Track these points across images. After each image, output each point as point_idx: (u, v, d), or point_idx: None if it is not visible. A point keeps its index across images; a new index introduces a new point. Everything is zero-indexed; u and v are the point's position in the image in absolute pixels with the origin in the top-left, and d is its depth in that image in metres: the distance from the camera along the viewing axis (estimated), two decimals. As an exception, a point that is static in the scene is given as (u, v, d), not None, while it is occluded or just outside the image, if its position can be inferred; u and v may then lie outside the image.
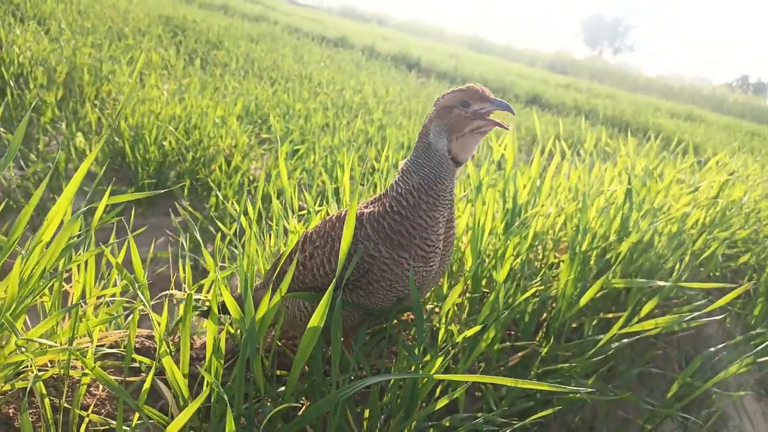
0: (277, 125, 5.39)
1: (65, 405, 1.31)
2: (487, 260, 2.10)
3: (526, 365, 2.04)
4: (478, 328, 1.65)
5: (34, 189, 3.80)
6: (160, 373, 1.40)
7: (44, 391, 1.24)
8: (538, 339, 2.15)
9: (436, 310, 1.95)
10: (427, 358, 1.61)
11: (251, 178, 4.58)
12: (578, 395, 1.86)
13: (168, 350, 1.34)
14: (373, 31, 27.20)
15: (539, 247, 2.48)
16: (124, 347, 1.47)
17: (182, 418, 1.07)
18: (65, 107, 4.96)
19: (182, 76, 6.71)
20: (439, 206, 1.40)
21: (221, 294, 1.34)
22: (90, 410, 1.31)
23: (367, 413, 1.49)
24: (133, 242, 1.49)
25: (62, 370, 1.34)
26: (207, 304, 1.73)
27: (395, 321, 1.83)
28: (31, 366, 1.33)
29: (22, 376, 1.34)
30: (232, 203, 3.73)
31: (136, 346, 1.62)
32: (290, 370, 1.34)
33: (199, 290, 1.87)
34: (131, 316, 1.38)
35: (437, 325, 1.82)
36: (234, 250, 2.09)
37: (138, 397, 1.24)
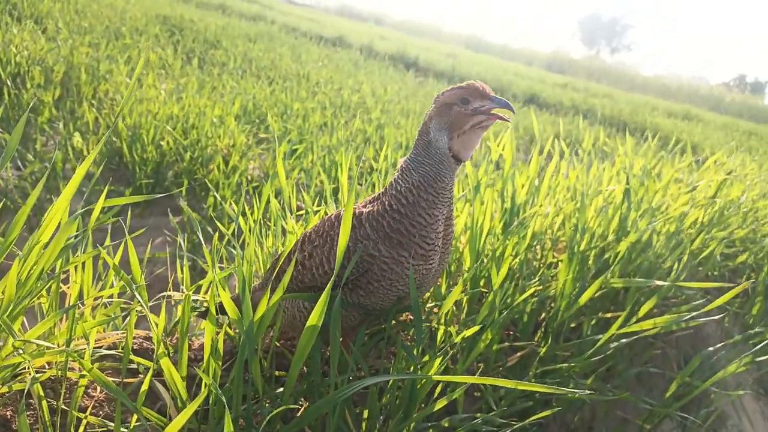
0: (275, 125, 5.38)
1: (63, 407, 1.30)
2: (485, 260, 2.09)
3: (525, 365, 2.04)
4: (476, 328, 1.65)
5: (31, 189, 3.78)
6: (158, 374, 1.39)
7: (42, 393, 1.24)
8: (536, 339, 2.15)
9: (435, 310, 1.95)
10: (426, 358, 1.61)
11: (249, 178, 4.57)
12: (577, 395, 1.86)
13: (166, 351, 1.33)
14: (371, 30, 27.19)
15: (538, 246, 2.48)
16: (122, 349, 1.47)
17: (180, 419, 1.07)
18: (62, 107, 4.94)
19: (180, 76, 6.70)
20: (438, 204, 1.39)
21: (219, 295, 1.33)
22: (88, 412, 1.31)
23: (365, 414, 1.48)
24: (131, 243, 1.49)
25: (60, 372, 1.33)
26: (205, 305, 1.72)
27: (394, 322, 1.83)
28: (28, 368, 1.32)
29: (19, 378, 1.33)
30: (230, 203, 3.72)
31: (134, 348, 1.61)
32: (289, 371, 1.33)
33: (198, 291, 1.87)
34: (129, 317, 1.38)
35: (436, 325, 1.82)
36: (232, 250, 2.08)
37: (136, 399, 1.24)
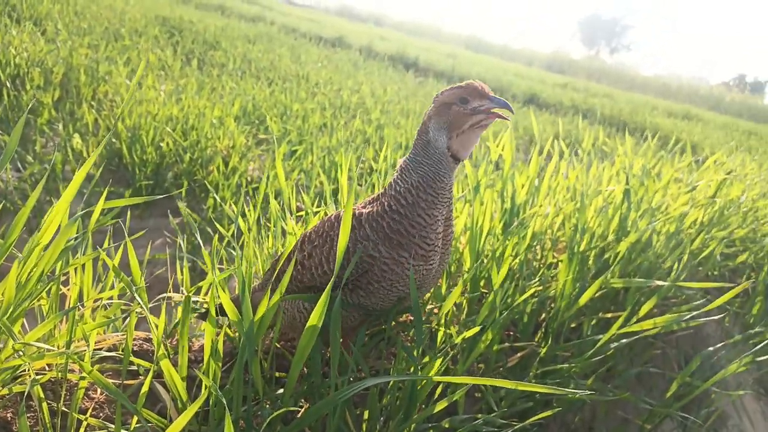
0: (274, 126, 5.38)
1: (63, 409, 1.30)
2: (485, 261, 2.09)
3: (525, 366, 2.04)
4: (477, 329, 1.65)
5: (31, 191, 3.78)
6: (159, 375, 1.39)
7: (42, 395, 1.24)
8: (537, 339, 2.15)
9: (435, 311, 1.95)
10: (426, 359, 1.61)
11: (249, 179, 4.57)
12: (577, 396, 1.86)
13: (166, 353, 1.33)
14: (371, 31, 27.20)
15: (537, 247, 2.47)
16: (122, 350, 1.47)
17: (181, 421, 1.07)
18: (62, 108, 4.94)
19: (179, 77, 6.70)
20: (438, 204, 1.39)
21: (219, 296, 1.33)
22: (88, 414, 1.31)
23: (366, 415, 1.48)
24: (131, 245, 1.49)
25: (60, 374, 1.33)
26: (205, 306, 1.72)
27: (394, 323, 1.83)
28: (28, 370, 1.32)
29: (19, 380, 1.33)
30: (230, 204, 3.72)
31: (134, 349, 1.61)
32: (289, 372, 1.33)
33: (197, 292, 1.87)
34: (129, 318, 1.38)
35: (436, 326, 1.82)
36: (232, 251, 2.08)
37: (136, 401, 1.24)
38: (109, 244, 1.59)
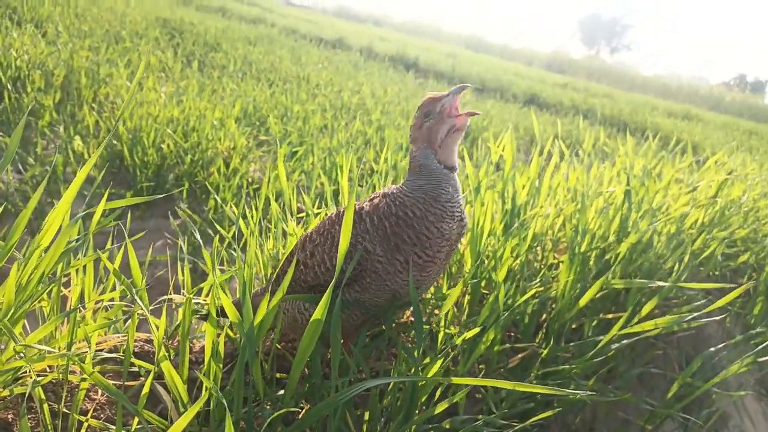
0: (275, 127, 5.39)
1: (64, 410, 1.30)
2: (486, 261, 2.09)
3: (526, 366, 2.03)
4: (477, 329, 1.65)
5: (32, 193, 3.79)
6: (159, 377, 1.39)
7: (43, 397, 1.24)
8: (537, 340, 2.15)
9: (436, 311, 1.95)
10: (427, 360, 1.61)
11: (250, 180, 4.58)
12: (578, 396, 1.86)
13: (167, 354, 1.34)
14: (371, 31, 27.22)
15: (538, 248, 2.47)
16: (123, 352, 1.47)
17: (181, 422, 1.07)
18: (63, 110, 4.95)
19: (180, 79, 6.71)
20: (446, 218, 1.40)
21: (220, 298, 1.33)
22: (89, 415, 1.31)
23: (367, 416, 1.48)
24: (131, 246, 1.49)
25: (61, 375, 1.33)
26: (206, 307, 1.72)
27: (394, 324, 1.83)
28: (29, 371, 1.32)
29: (20, 381, 1.34)
30: (231, 206, 3.72)
31: (135, 351, 1.61)
32: (290, 373, 1.33)
33: (199, 293, 1.87)
34: (130, 320, 1.38)
35: (436, 327, 1.82)
36: (233, 252, 2.08)
37: (137, 402, 1.24)
38: (110, 246, 1.60)
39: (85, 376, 1.25)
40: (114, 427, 1.24)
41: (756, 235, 3.31)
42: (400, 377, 1.45)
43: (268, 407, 1.41)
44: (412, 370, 1.54)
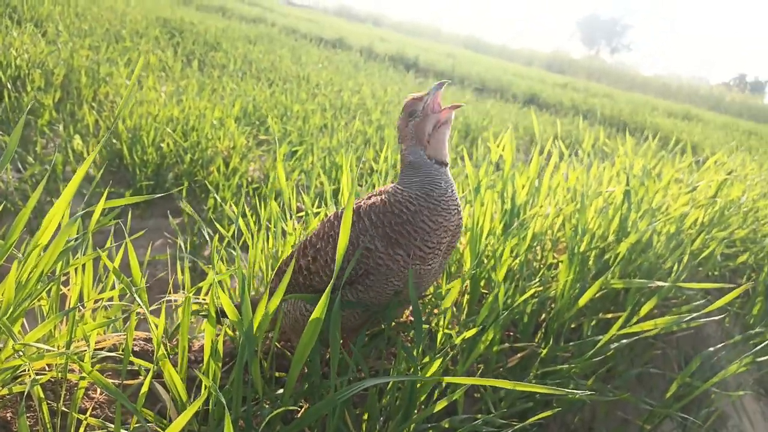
0: (275, 126, 5.39)
1: (63, 409, 1.30)
2: (485, 261, 2.09)
3: (526, 366, 2.04)
4: (476, 329, 1.65)
5: (31, 191, 3.79)
6: (159, 375, 1.39)
7: (42, 395, 1.24)
8: (537, 340, 2.15)
9: (435, 311, 1.95)
10: (426, 359, 1.61)
11: (249, 179, 4.58)
12: (577, 396, 1.86)
13: (166, 353, 1.34)
14: (371, 31, 27.22)
15: (538, 247, 2.47)
16: (122, 350, 1.47)
17: (180, 421, 1.07)
18: (63, 109, 4.95)
19: (180, 78, 6.71)
20: (441, 211, 1.40)
21: (219, 297, 1.33)
22: (88, 414, 1.31)
23: (365, 415, 1.48)
24: (131, 245, 1.49)
25: (60, 374, 1.33)
26: (205, 306, 1.72)
27: (394, 323, 1.83)
28: (28, 370, 1.32)
29: (19, 380, 1.33)
30: (230, 205, 3.72)
31: (134, 349, 1.61)
32: (289, 372, 1.33)
33: (198, 292, 1.87)
34: (129, 319, 1.38)
35: (435, 326, 1.82)
36: (232, 252, 2.08)
37: (136, 401, 1.24)
38: (110, 245, 1.59)
39: (84, 374, 1.25)
40: (113, 426, 1.24)
41: (755, 235, 3.31)
42: (399, 376, 1.45)
43: (267, 406, 1.41)
44: (411, 370, 1.54)
